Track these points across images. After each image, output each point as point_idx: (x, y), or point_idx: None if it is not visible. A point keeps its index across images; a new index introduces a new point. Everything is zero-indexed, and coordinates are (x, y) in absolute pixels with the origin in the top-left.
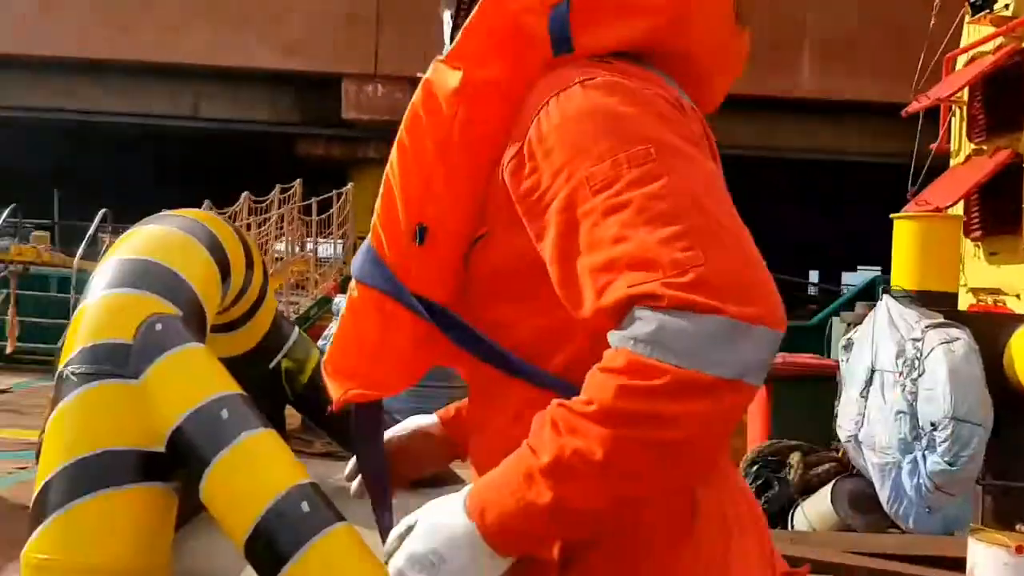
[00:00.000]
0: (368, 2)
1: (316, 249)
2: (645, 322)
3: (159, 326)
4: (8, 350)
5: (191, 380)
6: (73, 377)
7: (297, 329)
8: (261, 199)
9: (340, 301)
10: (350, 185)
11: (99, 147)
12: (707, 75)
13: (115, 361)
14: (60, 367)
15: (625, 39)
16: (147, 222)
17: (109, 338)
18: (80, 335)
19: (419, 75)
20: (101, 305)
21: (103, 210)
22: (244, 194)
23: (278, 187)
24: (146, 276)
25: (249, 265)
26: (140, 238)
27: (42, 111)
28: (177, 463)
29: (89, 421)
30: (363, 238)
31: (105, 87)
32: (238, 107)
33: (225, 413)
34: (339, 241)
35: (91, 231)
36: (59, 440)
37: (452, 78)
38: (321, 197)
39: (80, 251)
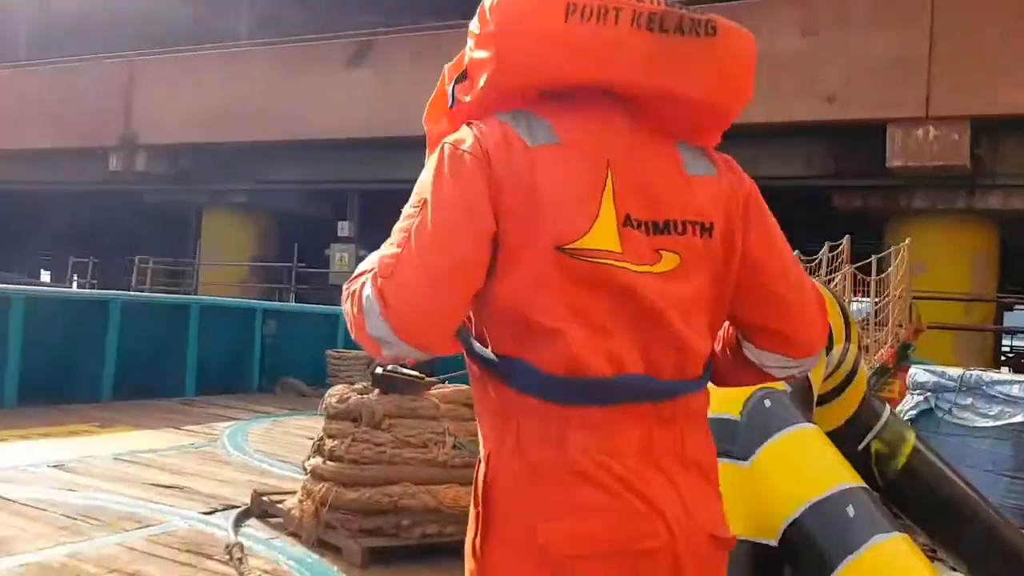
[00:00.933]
0: (919, 41)
1: (874, 311)
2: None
3: (768, 402)
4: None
5: (809, 467)
6: None
7: (888, 407)
8: (810, 258)
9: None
10: (907, 241)
11: None
12: (571, 86)
13: (722, 439)
14: None
15: (477, 105)
16: None
17: (715, 413)
18: None
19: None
20: None
21: None
22: (794, 254)
23: (827, 245)
24: None
25: (847, 336)
26: None
27: None
28: (789, 559)
29: None
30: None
31: None
32: (773, 163)
33: (851, 510)
34: (886, 300)
35: None
36: None
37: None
38: (881, 254)
39: None
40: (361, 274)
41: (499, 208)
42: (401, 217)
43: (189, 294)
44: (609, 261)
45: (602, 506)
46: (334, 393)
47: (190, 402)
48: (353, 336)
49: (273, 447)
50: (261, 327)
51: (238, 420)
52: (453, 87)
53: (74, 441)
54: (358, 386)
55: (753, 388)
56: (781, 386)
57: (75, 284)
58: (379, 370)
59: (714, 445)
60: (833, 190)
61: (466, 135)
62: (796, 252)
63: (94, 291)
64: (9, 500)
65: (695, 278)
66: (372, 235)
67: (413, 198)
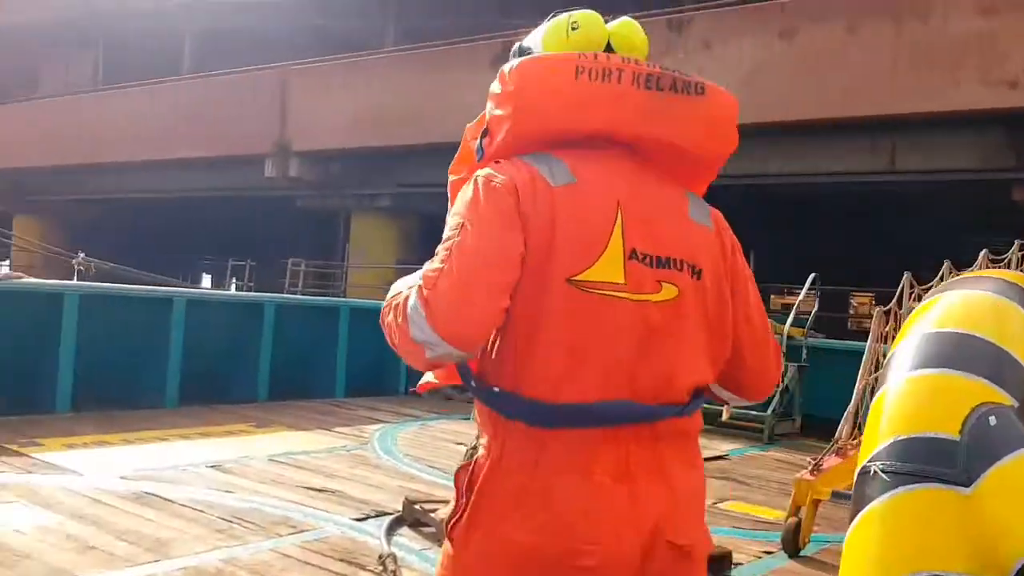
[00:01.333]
0: None
1: None
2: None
3: (993, 420)
4: (724, 416)
5: None
6: (883, 475)
7: None
8: (999, 257)
9: None
10: None
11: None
12: (581, 135)
13: (938, 461)
14: (864, 460)
15: (501, 149)
16: (949, 286)
17: (927, 431)
18: (887, 424)
19: None
20: (912, 389)
21: (813, 274)
22: (982, 253)
23: (1017, 243)
24: (966, 354)
25: None
26: (948, 305)
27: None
28: None
29: (907, 533)
30: None
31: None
32: (940, 155)
33: None
34: None
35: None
36: (864, 549)
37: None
38: None
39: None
40: (399, 293)
41: (526, 238)
42: (442, 240)
43: (338, 296)
44: (611, 292)
45: (551, 523)
46: None
47: (340, 404)
48: (394, 344)
49: (422, 452)
50: None
51: (386, 423)
52: (480, 142)
53: (232, 441)
54: None
55: (973, 403)
56: (1008, 400)
57: (233, 287)
58: None
59: (699, 464)
60: (1014, 183)
61: (497, 171)
62: (984, 251)
63: (250, 294)
64: (170, 501)
65: (691, 311)
66: None
67: (451, 221)
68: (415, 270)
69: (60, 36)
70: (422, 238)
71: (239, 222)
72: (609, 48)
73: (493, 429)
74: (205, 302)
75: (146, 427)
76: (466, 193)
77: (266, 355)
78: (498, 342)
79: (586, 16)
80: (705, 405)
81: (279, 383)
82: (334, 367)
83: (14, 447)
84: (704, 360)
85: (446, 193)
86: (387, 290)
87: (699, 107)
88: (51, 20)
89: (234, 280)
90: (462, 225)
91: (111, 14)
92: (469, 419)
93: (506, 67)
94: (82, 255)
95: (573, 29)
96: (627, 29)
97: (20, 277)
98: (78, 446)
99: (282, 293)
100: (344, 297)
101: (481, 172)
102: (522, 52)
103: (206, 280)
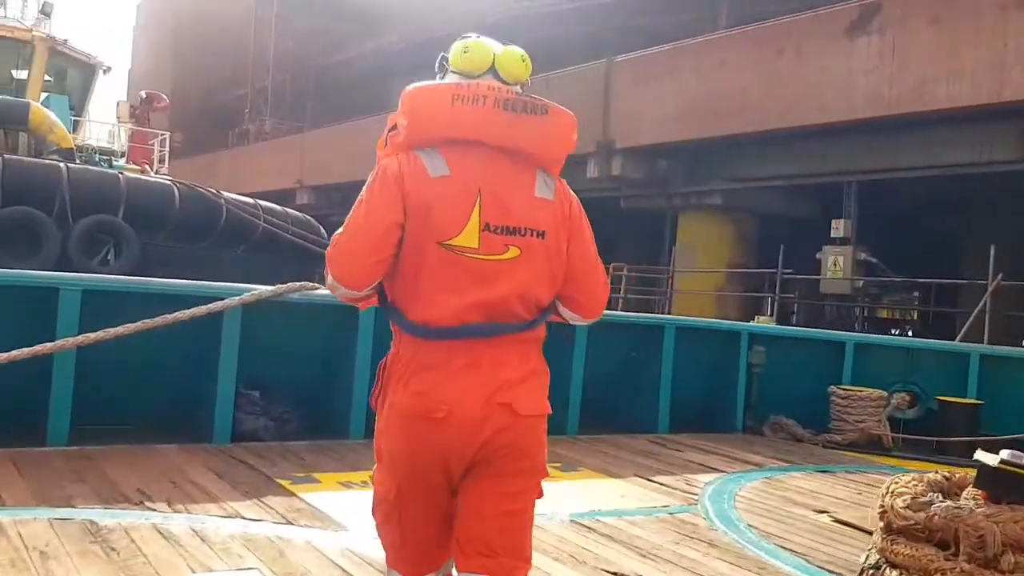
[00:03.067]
0: None
1: None
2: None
3: None
4: None
5: None
6: None
7: None
8: None
9: None
10: None
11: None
12: (455, 140)
13: None
14: None
15: (403, 144)
16: None
17: None
18: None
19: None
20: None
21: None
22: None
23: None
24: None
25: None
26: None
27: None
28: None
29: None
30: None
31: None
32: None
33: None
34: None
35: None
36: None
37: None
38: None
39: None
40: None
41: (407, 210)
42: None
43: (662, 302)
44: (468, 254)
45: (419, 392)
46: (902, 490)
47: (662, 441)
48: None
49: (771, 521)
50: (747, 354)
51: (720, 472)
52: (387, 134)
53: (547, 485)
54: (936, 476)
55: None
56: None
57: None
58: (995, 459)
59: (532, 359)
60: None
61: (392, 162)
62: None
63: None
64: None
65: (531, 264)
66: (872, 235)
67: (357, 202)
68: (751, 275)
69: (409, 58)
70: (758, 238)
71: None
72: (495, 68)
73: (396, 336)
74: None
75: None
76: (370, 177)
77: (577, 381)
78: (397, 280)
79: (477, 44)
80: None
81: (591, 413)
82: (656, 396)
83: (286, 483)
84: (541, 294)
85: (786, 187)
86: (719, 299)
87: (543, 123)
88: (400, 45)
89: None
90: (359, 201)
91: (450, 37)
92: (827, 471)
93: (406, 90)
94: None
95: (465, 52)
96: (508, 59)
97: (315, 288)
98: (354, 485)
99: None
100: (670, 303)
101: (383, 162)
102: (441, 61)
103: None
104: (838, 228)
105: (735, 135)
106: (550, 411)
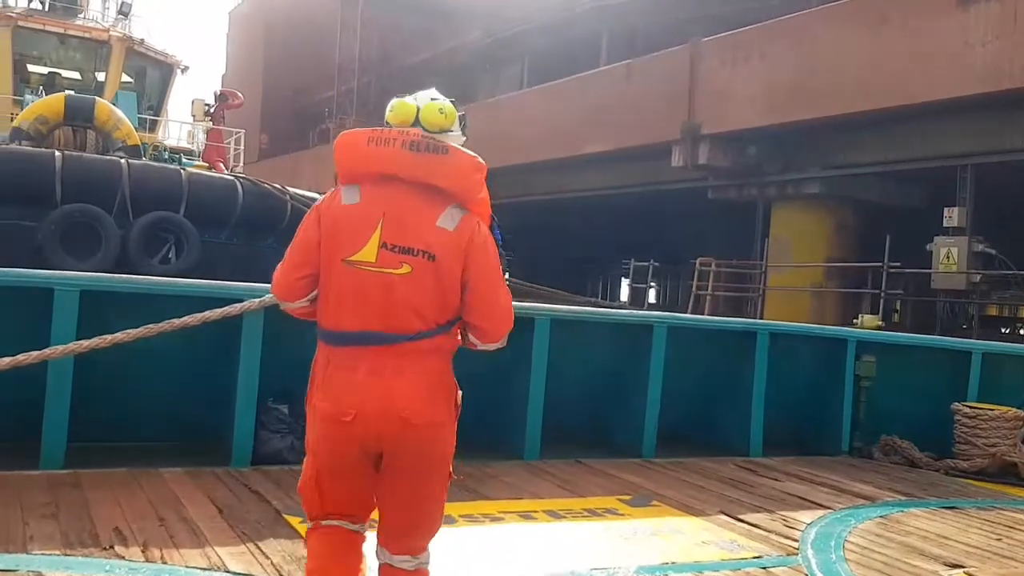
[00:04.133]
0: None
1: None
2: None
3: None
4: None
5: None
6: None
7: None
8: None
9: None
10: None
11: None
12: (373, 176)
13: None
14: None
15: (341, 179)
16: None
17: None
18: None
19: None
20: None
21: None
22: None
23: None
24: None
25: None
26: None
27: None
28: None
29: None
30: None
31: None
32: None
33: None
34: None
35: None
36: None
37: None
38: None
39: None
40: None
41: (321, 232)
42: None
43: (753, 300)
44: (366, 267)
45: (332, 397)
46: None
47: (754, 467)
48: None
49: None
50: (853, 365)
51: (825, 508)
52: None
53: (590, 529)
54: None
55: None
56: None
57: (652, 295)
58: None
59: (429, 370)
60: None
61: (323, 199)
62: None
63: (637, 312)
64: None
65: (422, 280)
66: (989, 224)
67: None
68: (852, 270)
69: (491, 53)
70: (860, 230)
71: (641, 219)
72: (419, 120)
73: (318, 344)
74: (596, 323)
75: (499, 491)
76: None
77: (654, 396)
78: (320, 294)
79: (400, 103)
80: None
81: (670, 432)
82: (747, 413)
83: (296, 520)
84: (431, 309)
85: (891, 173)
86: (817, 296)
87: (443, 161)
88: (484, 41)
89: (651, 284)
90: (297, 232)
91: (533, 30)
92: (954, 507)
93: (338, 136)
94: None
95: (391, 110)
96: (428, 111)
97: None
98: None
99: (688, 298)
100: (762, 302)
101: (318, 199)
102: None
103: (624, 284)
104: (951, 217)
105: (833, 117)
106: (447, 419)
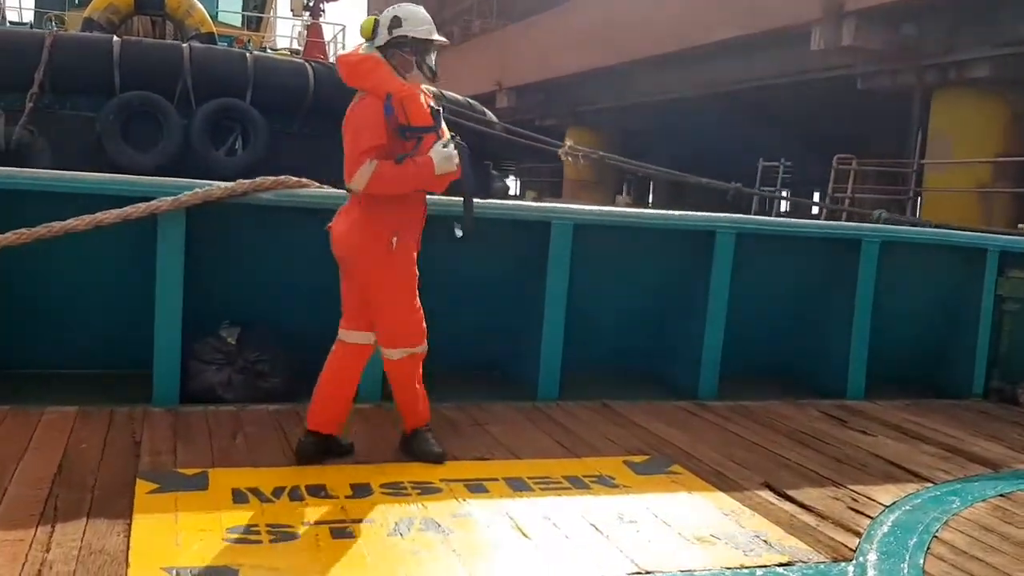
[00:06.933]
0: None
1: None
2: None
3: None
4: None
5: None
6: None
7: None
8: None
9: None
10: None
11: None
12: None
13: None
14: None
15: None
16: None
17: None
18: None
19: None
20: None
21: None
22: None
23: None
24: None
25: None
26: None
27: None
28: None
29: None
30: None
31: None
32: None
33: None
34: None
35: None
36: None
37: None
38: None
39: None
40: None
41: None
42: None
43: (904, 204)
44: None
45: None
46: None
47: (845, 413)
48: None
49: None
50: (994, 283)
51: (919, 481)
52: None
53: (592, 503)
54: None
55: None
56: None
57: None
58: None
59: (353, 213)
60: None
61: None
62: None
63: (702, 216)
64: None
65: None
66: None
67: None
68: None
69: None
70: None
71: (776, 119)
72: None
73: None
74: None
75: (469, 446)
76: None
77: (715, 314)
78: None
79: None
80: None
81: (741, 367)
82: (846, 344)
83: (150, 485)
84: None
85: None
86: (982, 198)
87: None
88: None
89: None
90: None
91: None
92: None
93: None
94: None
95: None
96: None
97: (302, 185)
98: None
99: (825, 200)
100: (919, 205)
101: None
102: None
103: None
104: None
105: None
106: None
